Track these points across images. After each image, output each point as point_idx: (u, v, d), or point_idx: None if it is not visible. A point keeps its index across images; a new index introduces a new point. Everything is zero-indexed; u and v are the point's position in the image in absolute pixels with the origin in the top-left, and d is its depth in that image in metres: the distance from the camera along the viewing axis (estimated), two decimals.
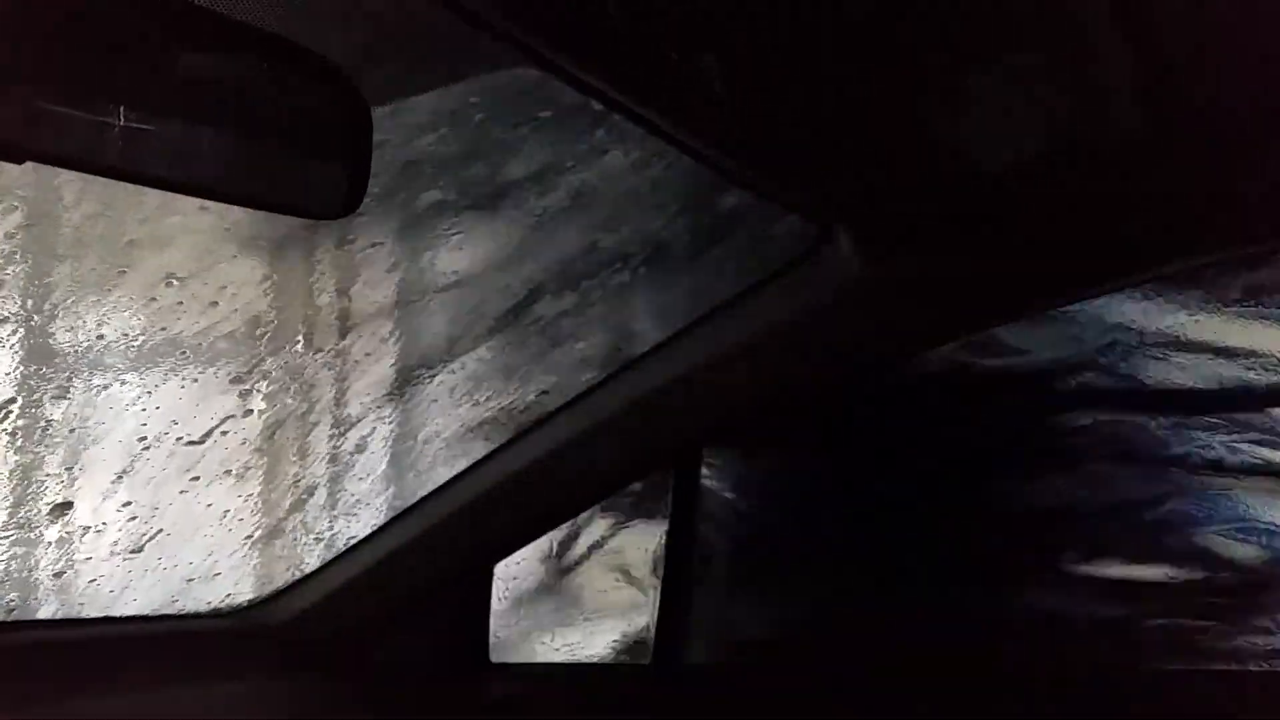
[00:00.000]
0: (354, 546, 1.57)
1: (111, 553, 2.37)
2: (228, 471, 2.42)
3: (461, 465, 1.52)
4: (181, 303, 2.50)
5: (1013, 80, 0.80)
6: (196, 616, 1.69)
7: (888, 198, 1.04)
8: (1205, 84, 0.79)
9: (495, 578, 1.60)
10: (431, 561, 1.55)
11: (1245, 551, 1.60)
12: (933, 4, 0.69)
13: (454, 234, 2.29)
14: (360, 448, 2.38)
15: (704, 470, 1.63)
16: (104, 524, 2.43)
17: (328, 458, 2.42)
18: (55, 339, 2.53)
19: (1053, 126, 0.88)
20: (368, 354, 2.41)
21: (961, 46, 0.75)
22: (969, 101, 0.81)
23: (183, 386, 2.48)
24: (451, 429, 2.25)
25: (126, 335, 2.53)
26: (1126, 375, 1.67)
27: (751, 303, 1.30)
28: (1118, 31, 0.72)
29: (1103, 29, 0.72)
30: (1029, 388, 1.70)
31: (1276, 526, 1.59)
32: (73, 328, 2.53)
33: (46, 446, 2.48)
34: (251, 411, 2.45)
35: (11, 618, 2.29)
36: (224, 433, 2.44)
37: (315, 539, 2.37)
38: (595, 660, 1.93)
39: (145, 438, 2.46)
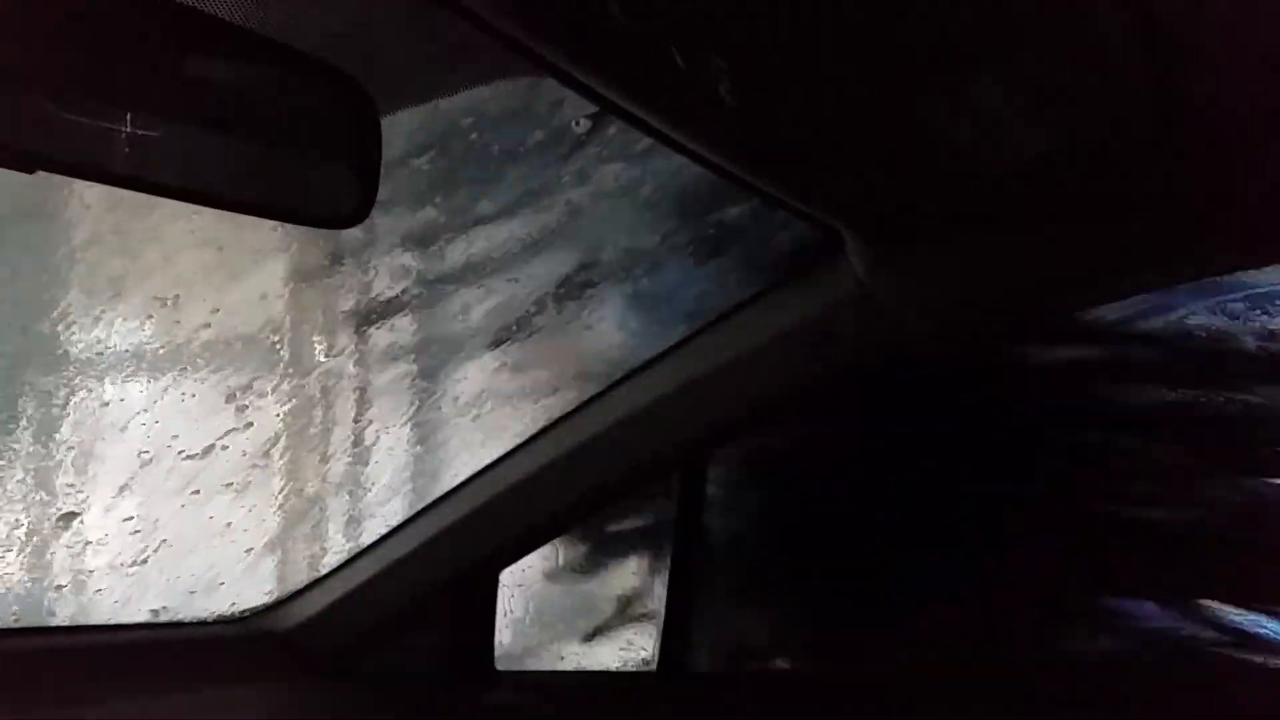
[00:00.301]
0: (360, 553, 1.57)
1: None
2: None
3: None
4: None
5: (1018, 81, 0.80)
6: (203, 623, 1.68)
7: (893, 201, 1.05)
8: (1211, 83, 0.80)
9: (501, 585, 1.60)
10: (436, 569, 1.55)
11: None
12: (937, 4, 0.69)
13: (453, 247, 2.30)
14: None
15: (709, 476, 1.63)
16: None
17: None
18: None
19: (1059, 127, 0.88)
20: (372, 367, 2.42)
21: (965, 47, 0.75)
22: (974, 103, 0.82)
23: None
24: (454, 439, 2.26)
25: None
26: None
27: (758, 309, 1.30)
28: (1124, 29, 0.72)
29: (1109, 27, 0.72)
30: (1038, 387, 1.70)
31: None
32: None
33: None
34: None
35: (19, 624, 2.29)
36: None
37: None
38: (601, 668, 1.93)
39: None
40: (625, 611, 1.91)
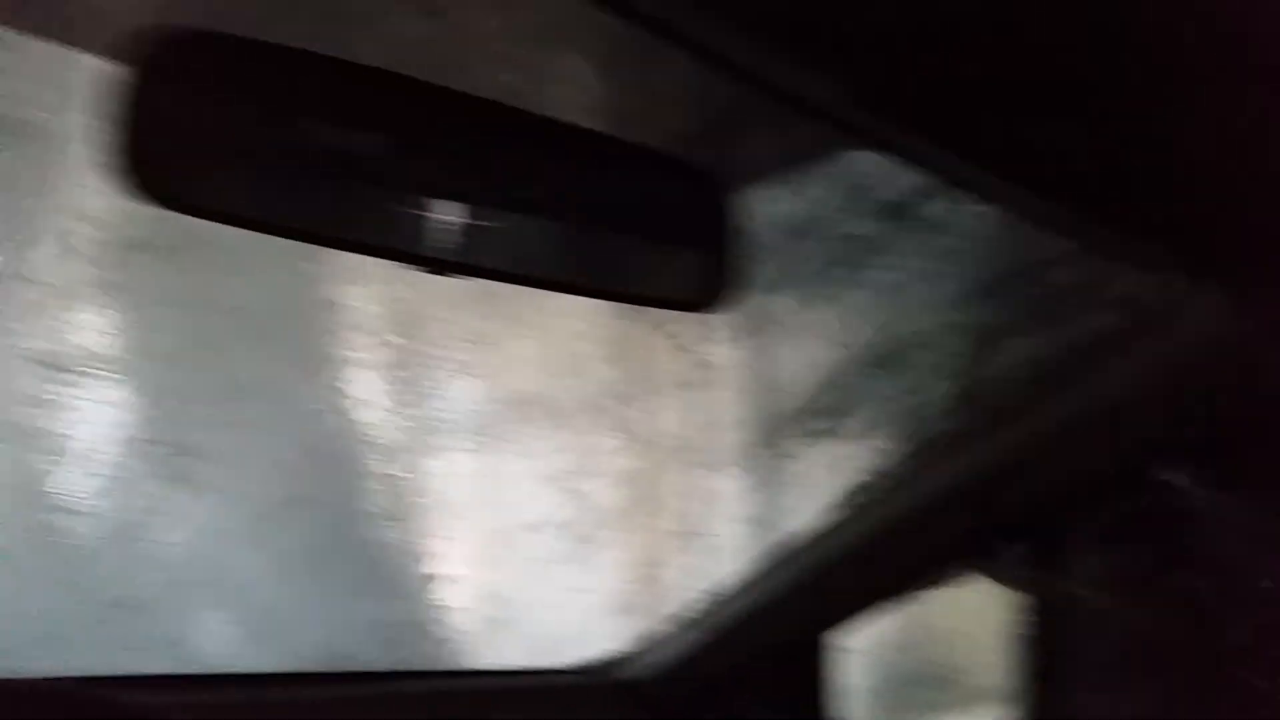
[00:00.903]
0: (704, 610, 1.62)
1: None
2: None
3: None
4: None
5: None
6: (552, 671, 1.81)
7: (1253, 245, 0.96)
8: None
9: (839, 650, 1.59)
10: (767, 630, 1.57)
11: None
12: None
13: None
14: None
15: (1067, 545, 1.52)
16: None
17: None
18: None
19: None
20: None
21: None
22: None
23: None
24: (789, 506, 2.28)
25: None
26: None
27: (1100, 363, 1.22)
28: None
29: None
30: None
31: None
32: None
33: None
34: None
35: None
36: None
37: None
38: None
39: None
40: (974, 687, 1.82)
